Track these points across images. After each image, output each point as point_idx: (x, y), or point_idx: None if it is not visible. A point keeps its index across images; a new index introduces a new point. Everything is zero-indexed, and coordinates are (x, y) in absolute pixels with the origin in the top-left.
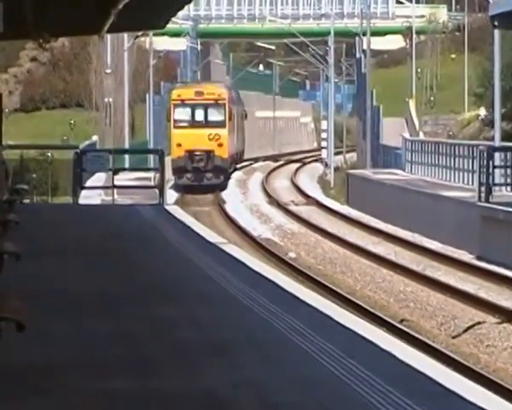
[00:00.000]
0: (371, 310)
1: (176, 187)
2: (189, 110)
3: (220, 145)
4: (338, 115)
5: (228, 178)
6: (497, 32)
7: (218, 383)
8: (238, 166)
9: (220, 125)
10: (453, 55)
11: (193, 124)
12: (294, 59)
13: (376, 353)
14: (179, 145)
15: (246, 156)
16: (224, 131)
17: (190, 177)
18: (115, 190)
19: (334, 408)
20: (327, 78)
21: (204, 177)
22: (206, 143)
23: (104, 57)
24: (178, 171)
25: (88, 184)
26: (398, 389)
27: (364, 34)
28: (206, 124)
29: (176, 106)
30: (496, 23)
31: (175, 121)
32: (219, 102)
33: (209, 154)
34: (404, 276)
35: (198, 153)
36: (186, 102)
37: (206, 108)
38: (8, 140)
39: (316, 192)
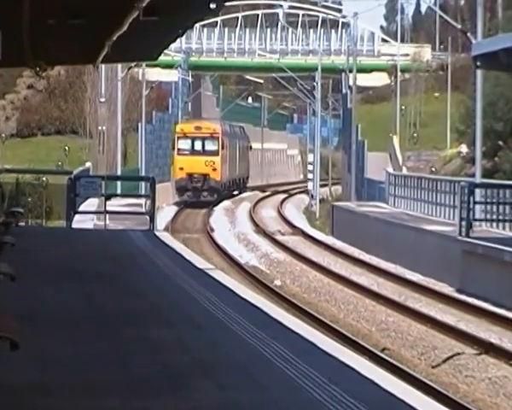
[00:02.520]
0: (354, 338)
1: (178, 202)
2: (189, 141)
3: (214, 170)
4: (324, 149)
5: (221, 196)
6: (479, 72)
7: (203, 403)
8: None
9: (214, 153)
10: (436, 94)
11: (192, 152)
12: (282, 93)
13: (358, 380)
14: (181, 169)
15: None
16: (217, 159)
17: (190, 194)
18: (107, 216)
19: None
20: (314, 112)
21: (201, 195)
22: (202, 167)
23: (98, 86)
24: (180, 189)
25: (81, 208)
26: None
27: (351, 71)
28: (203, 152)
29: (179, 138)
30: (478, 63)
31: (178, 150)
32: (214, 135)
33: (205, 176)
34: (386, 306)
35: (196, 175)
36: (187, 134)
37: (203, 140)
38: (4, 164)
39: (301, 223)
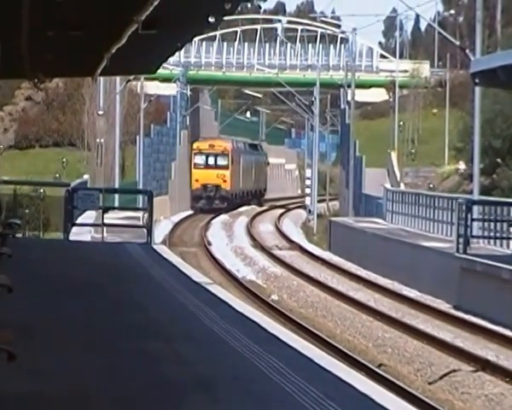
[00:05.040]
0: (350, 354)
1: (194, 208)
2: (204, 157)
3: (225, 181)
4: (322, 164)
5: (231, 204)
6: (477, 89)
7: None
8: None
9: (225, 167)
10: (435, 110)
11: (206, 166)
12: (281, 107)
13: (355, 395)
14: (197, 180)
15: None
16: (227, 172)
17: (204, 202)
18: (105, 228)
19: None
20: (312, 127)
21: (213, 202)
22: (215, 179)
23: (97, 99)
24: (196, 198)
25: (79, 221)
26: None
27: (349, 86)
28: (216, 166)
29: (195, 154)
30: (477, 80)
31: (194, 164)
32: (224, 152)
33: (217, 187)
34: (383, 322)
35: (209, 186)
36: (202, 151)
37: (215, 156)
38: (2, 175)
39: (299, 238)
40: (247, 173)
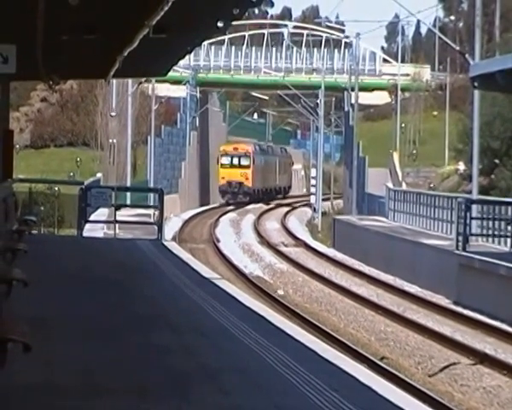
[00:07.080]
0: (353, 347)
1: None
2: (229, 158)
3: (247, 179)
4: (326, 164)
5: (253, 199)
6: (476, 93)
7: (208, 408)
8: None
9: (247, 167)
10: (435, 112)
11: (231, 166)
12: (287, 109)
13: (358, 387)
14: (223, 178)
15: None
16: (249, 171)
17: (229, 196)
18: (117, 225)
19: None
20: (317, 128)
21: (237, 197)
22: (238, 177)
23: (109, 101)
24: (223, 192)
25: (92, 218)
26: None
27: (353, 89)
28: (239, 166)
29: (222, 155)
30: (476, 84)
31: (221, 164)
32: (247, 153)
33: (240, 184)
34: (385, 317)
35: (234, 183)
36: (228, 153)
37: (239, 157)
38: (18, 174)
39: (304, 235)
40: (269, 172)
